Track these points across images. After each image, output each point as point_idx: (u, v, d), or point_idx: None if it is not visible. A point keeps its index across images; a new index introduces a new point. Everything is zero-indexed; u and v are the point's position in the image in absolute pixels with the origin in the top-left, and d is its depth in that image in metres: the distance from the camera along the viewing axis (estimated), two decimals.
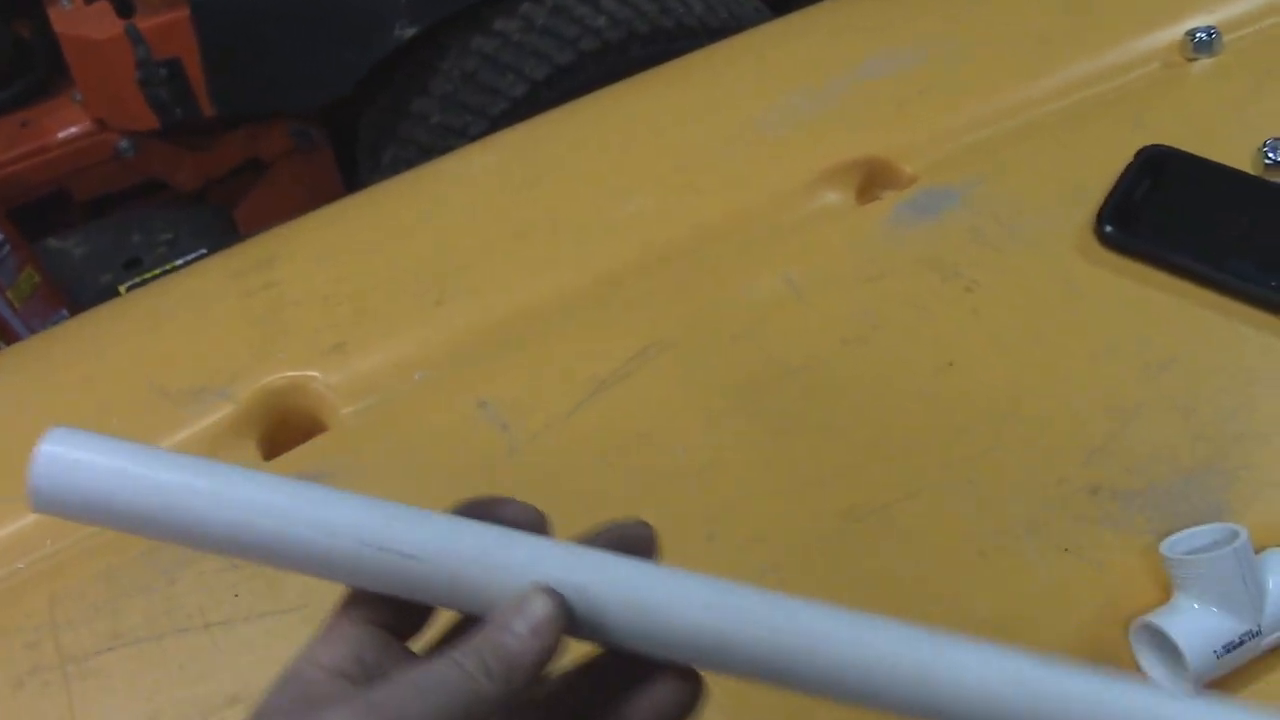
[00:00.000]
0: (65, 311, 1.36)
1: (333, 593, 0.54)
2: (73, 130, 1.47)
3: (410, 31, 1.39)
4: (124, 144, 1.46)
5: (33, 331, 1.31)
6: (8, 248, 1.29)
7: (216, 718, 0.51)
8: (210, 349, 0.65)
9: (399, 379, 0.63)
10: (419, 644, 0.39)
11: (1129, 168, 0.69)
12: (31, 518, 0.58)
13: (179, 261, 1.42)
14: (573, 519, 0.57)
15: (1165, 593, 0.52)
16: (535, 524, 0.40)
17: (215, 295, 0.69)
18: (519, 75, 1.40)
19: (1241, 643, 0.49)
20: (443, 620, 0.39)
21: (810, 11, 0.84)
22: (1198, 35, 0.76)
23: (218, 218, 1.57)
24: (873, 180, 0.72)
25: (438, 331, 0.65)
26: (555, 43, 1.40)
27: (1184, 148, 0.70)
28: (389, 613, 0.37)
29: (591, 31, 1.41)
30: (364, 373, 0.63)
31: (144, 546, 0.57)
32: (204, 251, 1.42)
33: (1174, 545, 0.53)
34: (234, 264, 0.72)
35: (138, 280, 1.39)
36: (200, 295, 0.69)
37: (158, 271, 1.41)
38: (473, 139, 1.39)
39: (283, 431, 0.63)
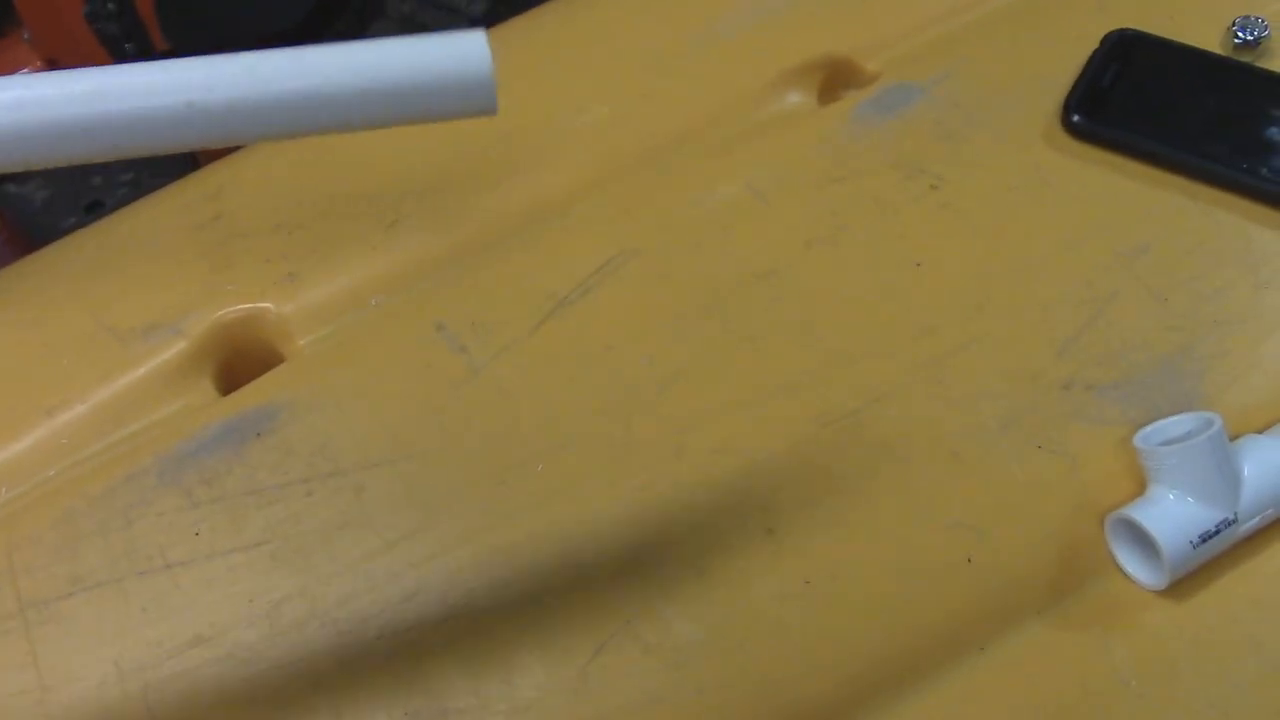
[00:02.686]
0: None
1: (296, 528, 0.53)
2: (24, 71, 1.43)
3: None
4: None
5: None
6: None
7: (181, 658, 0.50)
8: (159, 285, 0.63)
9: (355, 306, 0.62)
10: None
11: (1095, 54, 0.67)
12: None
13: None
14: (537, 437, 0.56)
15: (1140, 485, 0.52)
16: None
17: (163, 230, 0.67)
18: None
19: (1218, 531, 0.49)
20: None
21: None
22: None
23: (179, 156, 1.53)
24: (835, 80, 0.70)
25: (392, 255, 0.63)
26: None
27: (1152, 31, 0.68)
28: None
29: None
30: (319, 301, 0.62)
31: (101, 489, 0.55)
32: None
33: (1148, 437, 0.52)
34: (182, 197, 0.70)
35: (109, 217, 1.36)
36: (148, 231, 0.67)
37: (128, 207, 1.38)
38: (468, 18, 1.37)
39: (239, 365, 0.61)
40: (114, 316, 0.62)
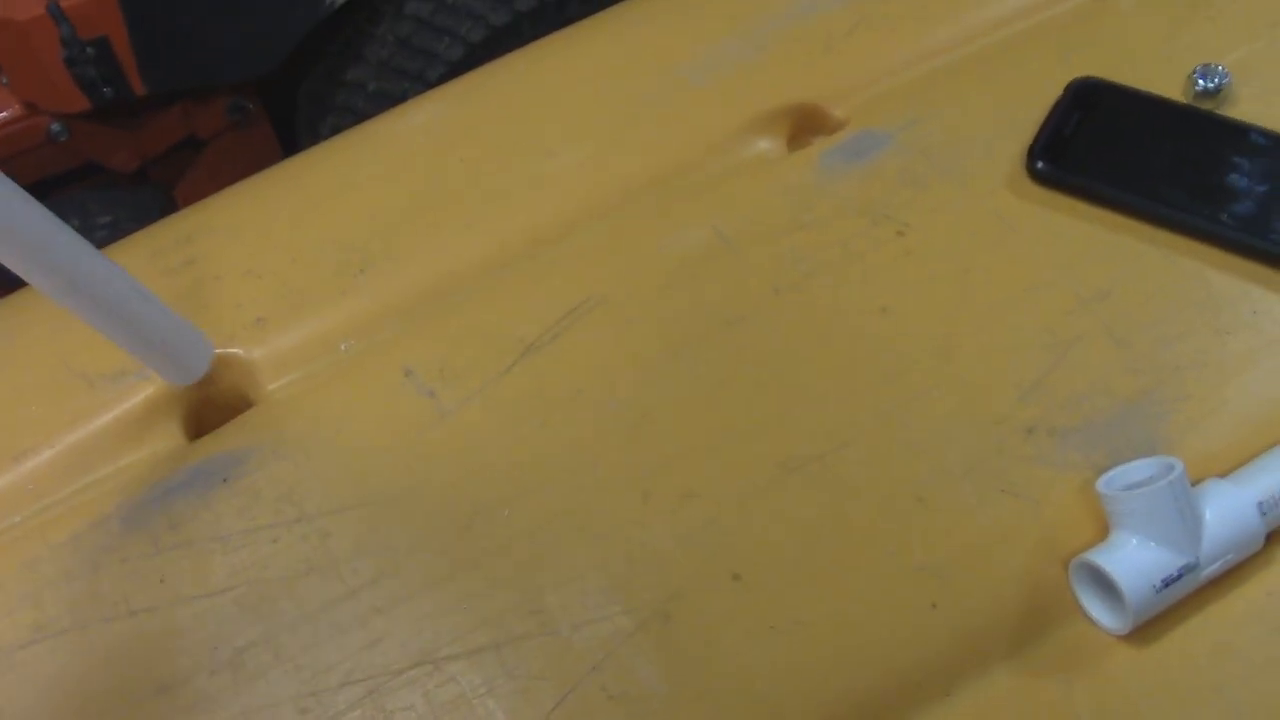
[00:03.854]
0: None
1: (261, 575, 0.53)
2: (3, 115, 1.44)
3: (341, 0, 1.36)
4: (56, 127, 1.42)
5: None
6: None
7: (146, 707, 0.50)
8: None
9: (324, 351, 0.62)
10: None
11: (1059, 101, 0.68)
12: None
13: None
14: (504, 482, 0.56)
15: (1104, 529, 0.52)
16: None
17: (135, 274, 0.67)
18: (455, 38, 1.37)
19: (1180, 576, 0.49)
20: None
21: None
22: None
23: (157, 198, 1.54)
24: (803, 126, 0.71)
25: (362, 300, 0.63)
26: (490, 4, 1.38)
27: (1115, 79, 0.69)
28: None
29: None
30: (288, 346, 0.62)
31: (67, 535, 0.55)
32: None
33: (1110, 481, 0.52)
34: (154, 242, 0.70)
35: None
36: None
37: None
38: None
39: (208, 410, 0.61)
40: (83, 361, 0.62)
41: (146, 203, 1.53)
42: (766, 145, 0.70)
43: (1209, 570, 0.50)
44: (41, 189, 1.53)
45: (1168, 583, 0.49)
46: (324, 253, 0.65)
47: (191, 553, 0.54)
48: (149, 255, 0.68)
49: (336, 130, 1.44)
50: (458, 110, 0.74)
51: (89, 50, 1.33)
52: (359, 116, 1.41)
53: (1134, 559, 0.49)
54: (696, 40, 0.76)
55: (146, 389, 0.60)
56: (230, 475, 0.56)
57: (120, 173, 1.51)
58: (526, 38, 1.39)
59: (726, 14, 0.77)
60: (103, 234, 1.46)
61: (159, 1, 1.34)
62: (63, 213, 1.43)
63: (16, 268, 0.49)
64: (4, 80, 1.44)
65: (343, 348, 0.62)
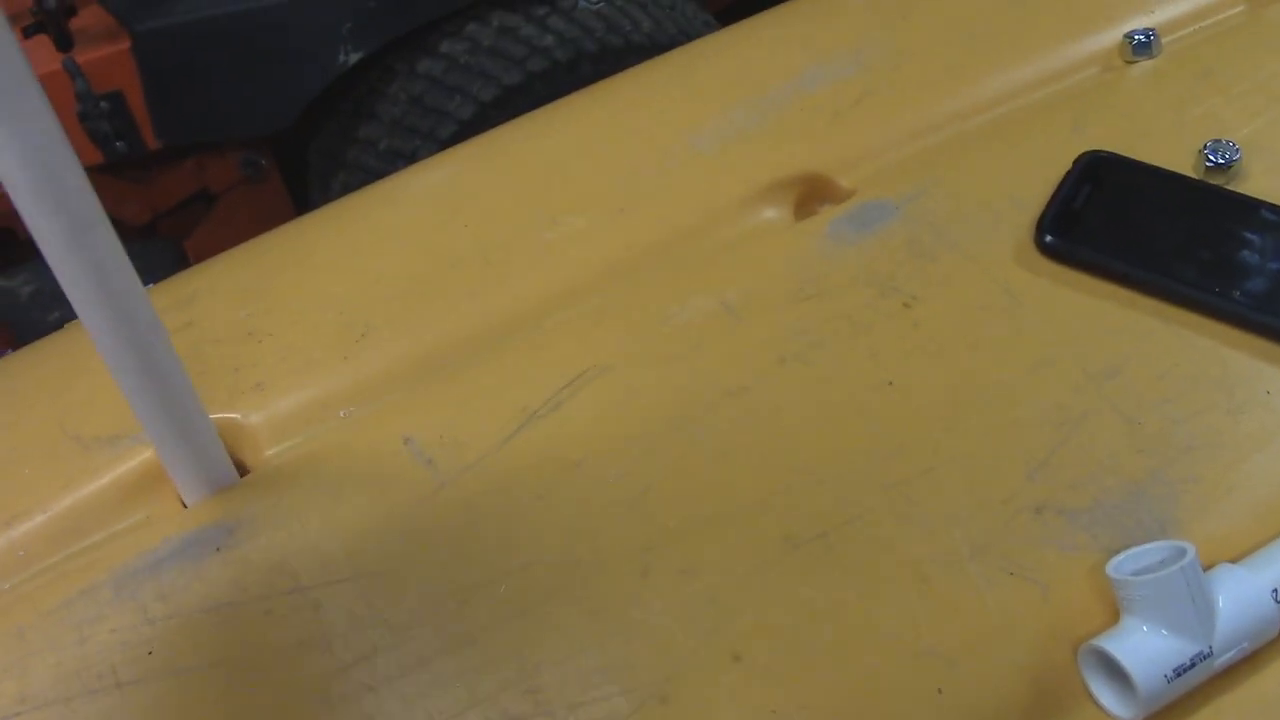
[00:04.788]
0: (10, 351, 1.33)
1: (254, 645, 0.52)
2: None
3: (355, 57, 1.37)
4: None
5: None
6: None
7: None
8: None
9: (323, 417, 0.61)
10: None
11: (1068, 175, 0.67)
12: None
13: None
14: (501, 555, 0.55)
15: (1114, 613, 0.51)
16: None
17: None
18: (466, 97, 1.38)
19: (1193, 664, 0.48)
20: None
21: (743, 25, 0.83)
22: (1136, 38, 0.75)
23: (168, 252, 1.54)
24: (811, 196, 0.71)
25: (362, 367, 0.63)
26: (502, 64, 1.38)
27: (1124, 152, 0.68)
28: None
29: (539, 51, 1.39)
30: (287, 412, 0.61)
31: (55, 603, 0.54)
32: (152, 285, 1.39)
33: (1120, 565, 0.51)
34: (155, 303, 0.69)
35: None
36: None
37: None
38: None
39: None
40: (78, 423, 0.61)
41: (156, 256, 1.53)
42: (773, 214, 0.70)
43: (1223, 659, 0.49)
44: None
45: (1180, 672, 0.48)
46: (326, 317, 0.65)
47: (181, 624, 0.53)
48: None
49: (348, 187, 1.45)
50: (463, 175, 0.74)
51: (103, 105, 1.34)
52: (370, 173, 1.42)
53: (1145, 646, 0.48)
54: (705, 109, 0.76)
55: (141, 453, 0.60)
56: (224, 544, 0.55)
57: (131, 225, 1.52)
58: (538, 98, 1.40)
59: (734, 83, 0.77)
60: None
61: (174, 57, 1.35)
62: None
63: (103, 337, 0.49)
64: None
65: (342, 414, 0.61)
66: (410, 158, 1.39)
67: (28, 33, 1.39)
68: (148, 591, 0.54)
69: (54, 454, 0.60)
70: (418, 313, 0.65)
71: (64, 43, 1.33)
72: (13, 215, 1.41)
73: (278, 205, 1.55)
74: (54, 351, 0.67)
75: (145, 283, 0.74)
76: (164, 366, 0.51)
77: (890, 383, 0.60)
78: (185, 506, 0.59)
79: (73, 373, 0.65)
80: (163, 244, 1.56)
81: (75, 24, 1.36)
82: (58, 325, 1.41)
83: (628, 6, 1.45)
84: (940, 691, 0.50)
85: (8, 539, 0.57)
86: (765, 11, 0.83)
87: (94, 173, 1.44)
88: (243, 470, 0.60)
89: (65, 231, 0.44)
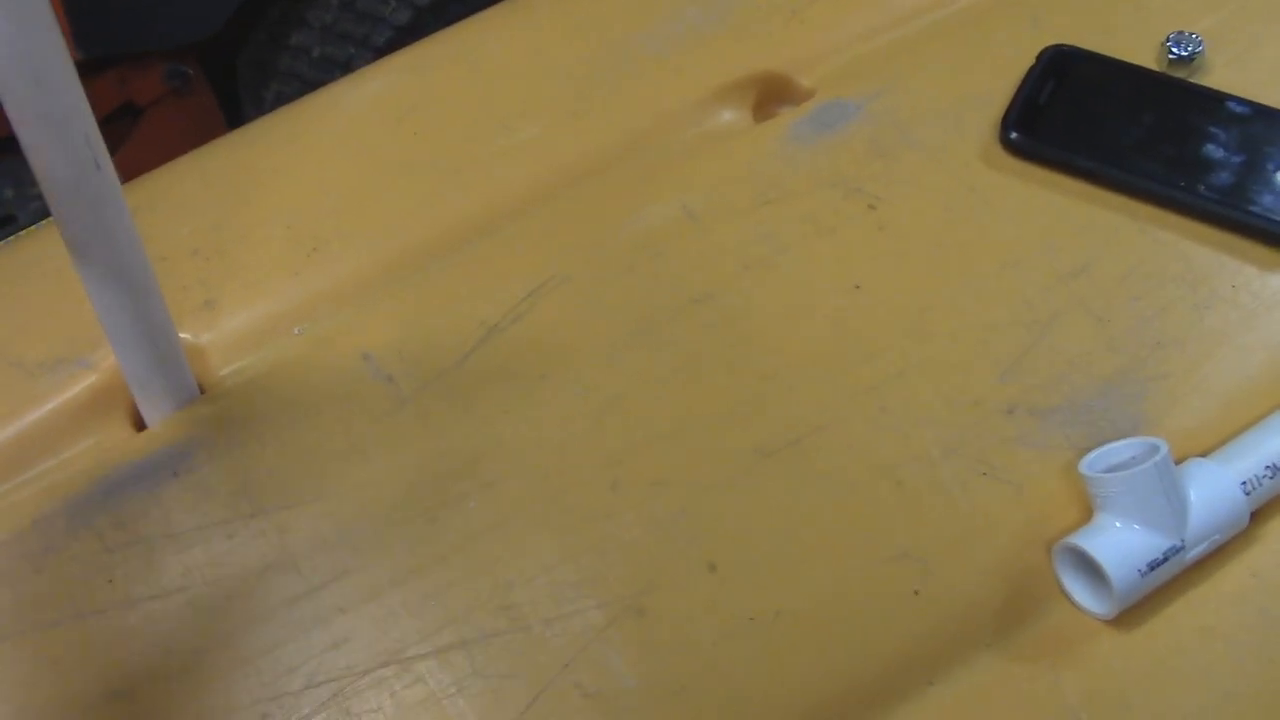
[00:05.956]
0: None
1: (217, 573, 0.51)
2: None
3: None
4: None
5: None
6: None
7: (98, 714, 0.48)
8: (67, 316, 0.60)
9: (277, 335, 0.59)
10: None
11: (1031, 70, 0.66)
12: None
13: None
14: (468, 473, 0.54)
15: (1087, 511, 0.51)
16: None
17: (65, 257, 0.64)
18: (401, 1, 1.33)
19: (1166, 559, 0.48)
20: None
21: None
22: None
23: None
24: (769, 96, 0.69)
25: (315, 282, 0.61)
26: None
27: (1086, 46, 0.67)
28: None
29: None
30: (239, 331, 0.59)
31: (7, 534, 0.52)
32: None
33: (1093, 463, 0.51)
34: None
35: (12, 238, 1.32)
36: (54, 258, 0.64)
37: (33, 228, 1.34)
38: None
39: None
40: (19, 349, 0.59)
41: None
42: (731, 116, 0.68)
43: (1194, 552, 0.49)
44: None
45: (1153, 566, 0.48)
46: (274, 232, 0.63)
47: (141, 551, 0.51)
48: None
49: (281, 97, 1.40)
50: (409, 81, 0.71)
51: None
52: (304, 82, 1.37)
53: (1119, 542, 0.48)
54: (655, 8, 0.73)
55: (89, 377, 0.57)
56: (180, 468, 0.54)
57: None
58: (473, 2, 1.36)
59: None
60: (37, 204, 1.41)
61: None
62: None
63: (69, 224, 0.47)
64: None
65: (296, 331, 0.59)
66: (345, 66, 1.34)
67: None
68: (104, 519, 0.52)
69: None
70: (369, 225, 0.63)
71: None
72: None
73: (208, 118, 1.50)
74: None
75: None
76: (140, 277, 0.49)
77: (857, 286, 0.59)
78: (137, 430, 0.57)
79: (5, 296, 0.63)
80: None
81: None
82: None
83: None
84: (916, 593, 0.50)
85: None
86: None
87: None
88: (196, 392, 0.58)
89: (52, 127, 0.42)
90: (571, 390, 0.56)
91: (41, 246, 0.65)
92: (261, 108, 1.43)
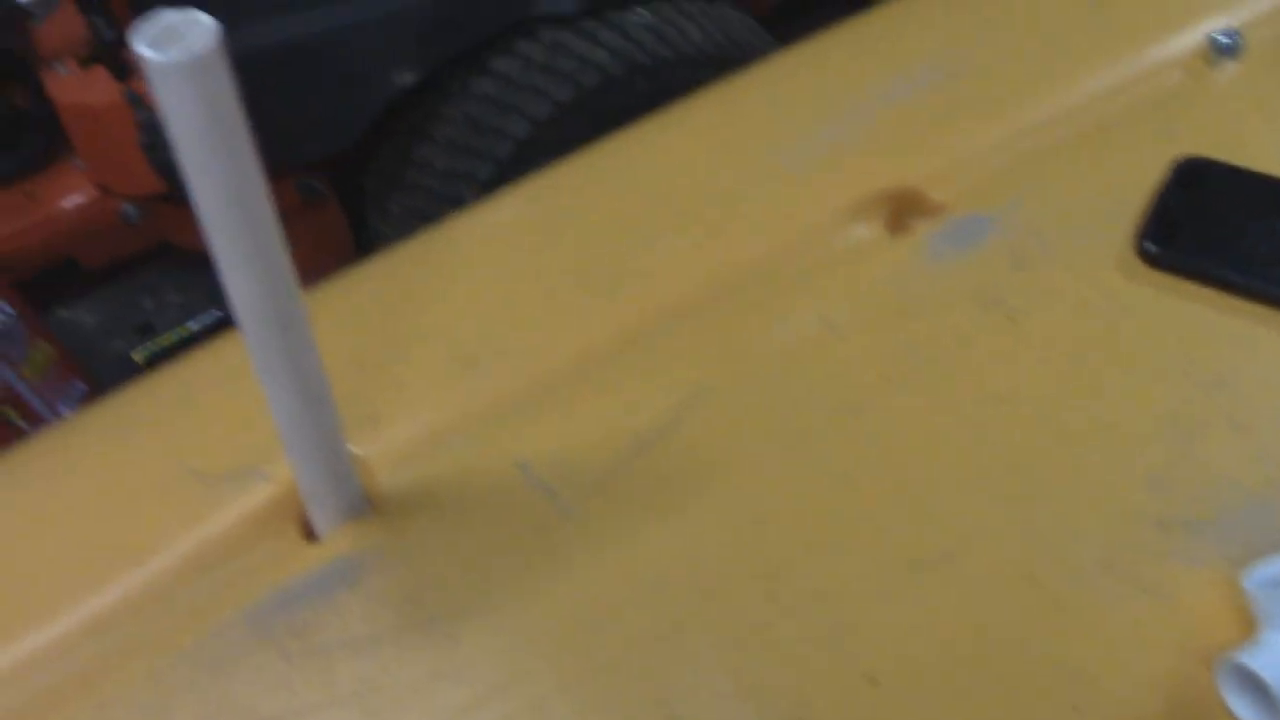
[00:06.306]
0: (80, 383, 1.35)
1: (389, 681, 0.53)
2: (77, 198, 1.46)
3: (410, 78, 1.38)
4: (129, 209, 1.45)
5: (50, 406, 1.30)
6: (16, 321, 1.28)
7: None
8: (243, 427, 0.63)
9: (437, 448, 0.62)
10: None
11: (1165, 182, 0.67)
12: (71, 618, 0.57)
13: (193, 325, 1.41)
14: (628, 584, 0.55)
15: (1249, 627, 0.51)
16: None
17: (241, 371, 0.67)
18: (521, 115, 1.39)
19: None
20: None
21: (820, 39, 0.83)
22: (1219, 39, 0.75)
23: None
24: (903, 210, 0.71)
25: (471, 395, 0.63)
26: (555, 80, 1.39)
27: (1217, 156, 0.68)
28: None
29: (591, 66, 1.39)
30: (401, 442, 0.62)
31: (191, 642, 0.55)
32: (218, 314, 1.41)
33: (1255, 576, 0.51)
34: None
35: (153, 347, 1.38)
36: (226, 371, 0.68)
37: (172, 336, 1.40)
38: (481, 183, 1.39)
39: None
40: (198, 459, 0.62)
41: (217, 282, 1.54)
42: (865, 231, 0.70)
43: None
44: (113, 271, 1.55)
45: None
46: (429, 346, 0.66)
47: (319, 660, 0.53)
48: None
49: (405, 208, 1.45)
50: (551, 201, 0.74)
51: (164, 133, 1.35)
52: (429, 194, 1.43)
53: None
54: (789, 125, 0.76)
55: (264, 488, 0.60)
56: (353, 578, 0.56)
57: (191, 253, 1.53)
58: (592, 113, 1.40)
59: (817, 98, 0.78)
60: (175, 313, 1.48)
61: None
62: (135, 294, 1.46)
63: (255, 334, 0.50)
64: (80, 164, 1.46)
65: (455, 444, 0.62)
66: (468, 178, 1.40)
67: (85, 64, 1.40)
68: (282, 628, 0.55)
69: (176, 490, 0.61)
70: (522, 338, 0.65)
71: (121, 73, 1.34)
72: (73, 245, 1.43)
73: (335, 228, 1.56)
74: (161, 386, 0.68)
75: (208, 310, 0.75)
76: (318, 390, 0.52)
77: (1000, 398, 0.60)
78: (309, 540, 0.59)
79: (181, 407, 0.66)
80: None
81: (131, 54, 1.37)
82: (124, 354, 1.43)
83: (677, 18, 1.45)
84: (1076, 708, 0.50)
85: (138, 576, 0.58)
86: (840, 24, 0.84)
87: (155, 201, 1.46)
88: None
89: (253, 253, 0.45)
90: (725, 501, 0.58)
91: (212, 360, 0.69)
92: (386, 218, 1.49)
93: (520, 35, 1.41)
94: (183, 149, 0.42)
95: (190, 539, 0.59)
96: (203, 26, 0.41)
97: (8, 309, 1.27)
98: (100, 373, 1.40)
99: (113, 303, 1.50)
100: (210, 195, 0.44)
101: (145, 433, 0.65)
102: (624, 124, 0.78)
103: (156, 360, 1.37)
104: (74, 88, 1.37)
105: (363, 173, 1.53)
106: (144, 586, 0.58)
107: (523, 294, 0.68)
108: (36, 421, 1.28)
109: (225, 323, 1.31)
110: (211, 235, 0.46)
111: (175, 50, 0.39)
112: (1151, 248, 0.64)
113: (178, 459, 0.63)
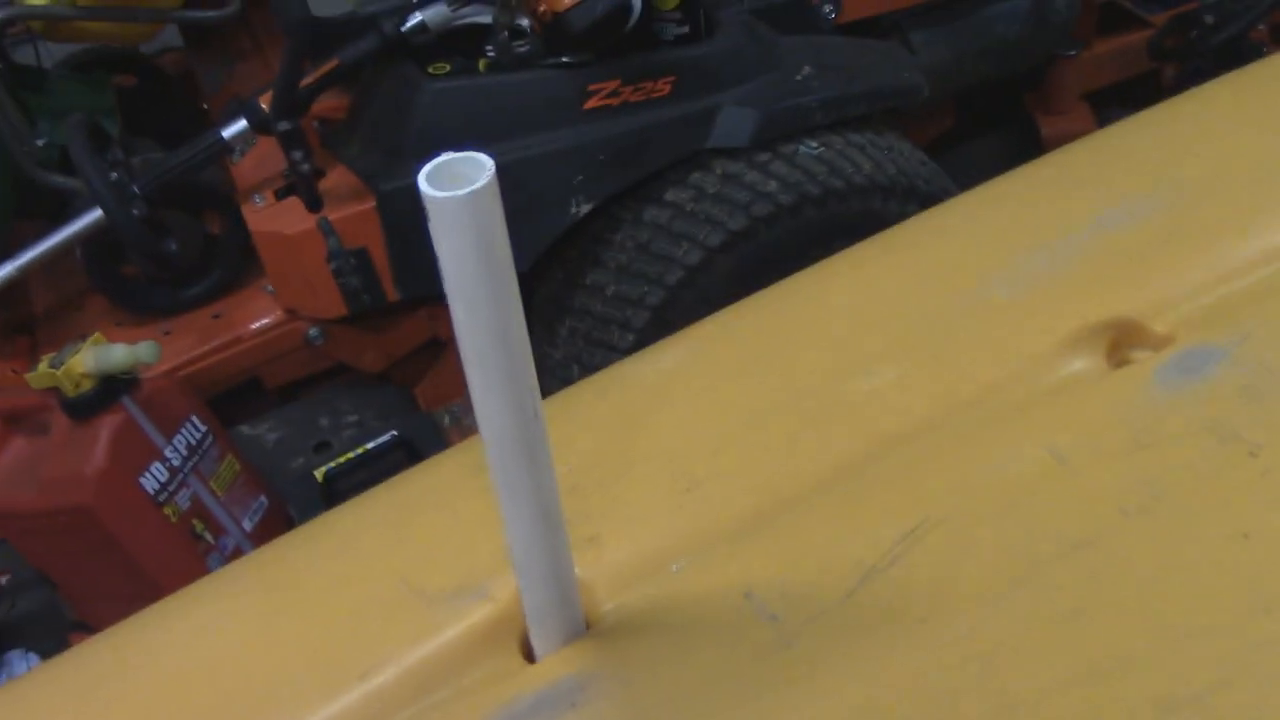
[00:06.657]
0: (264, 498, 1.39)
1: None
2: (264, 321, 1.53)
3: (586, 208, 1.42)
4: (313, 332, 1.50)
5: (235, 520, 1.34)
6: (211, 438, 1.33)
7: None
8: (462, 546, 0.64)
9: (657, 570, 0.61)
10: None
11: None
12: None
13: (370, 444, 1.44)
14: (852, 715, 0.54)
15: None
16: None
17: (457, 491, 0.69)
18: (693, 242, 1.41)
19: None
20: None
21: (1025, 170, 0.83)
22: None
23: (400, 397, 1.60)
24: (1123, 341, 0.70)
25: (691, 519, 0.63)
26: (727, 209, 1.41)
27: None
28: None
29: (763, 196, 1.41)
30: (621, 565, 0.62)
31: None
32: (393, 433, 1.44)
33: None
34: (469, 458, 0.72)
35: (332, 465, 1.42)
36: (442, 491, 0.69)
37: (349, 455, 1.44)
38: (649, 309, 1.41)
39: None
40: (421, 578, 0.63)
41: (390, 401, 1.59)
42: (1084, 362, 0.69)
43: None
44: (292, 389, 1.60)
45: None
46: (650, 470, 0.66)
47: None
48: (468, 472, 0.70)
49: (574, 332, 1.48)
50: (759, 331, 0.75)
51: (352, 261, 1.40)
52: (597, 319, 1.45)
53: None
54: (998, 255, 0.76)
55: (484, 608, 0.61)
56: (577, 700, 0.56)
57: (367, 373, 1.58)
58: (763, 241, 1.42)
59: (1025, 228, 0.78)
60: (351, 432, 1.52)
61: (414, 214, 1.41)
62: (313, 411, 1.50)
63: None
64: (268, 288, 1.53)
65: (674, 568, 0.61)
66: (638, 303, 1.42)
67: (280, 195, 1.47)
68: None
69: (399, 608, 0.62)
70: (741, 464, 0.65)
71: (315, 204, 1.41)
72: (259, 365, 1.48)
73: None
74: (380, 504, 0.70)
75: (382, 429, 0.76)
76: (554, 512, 0.52)
77: (1246, 535, 0.57)
78: (528, 661, 0.59)
79: (401, 526, 0.68)
80: (395, 389, 1.62)
81: (323, 185, 1.44)
82: (304, 471, 1.47)
83: (847, 149, 1.47)
84: None
85: (363, 691, 0.59)
86: (1044, 158, 0.84)
87: (336, 324, 1.51)
88: (584, 625, 0.61)
89: (508, 383, 0.47)
90: (952, 634, 0.56)
91: (428, 481, 0.70)
92: (555, 341, 1.52)
93: (694, 166, 1.44)
94: (450, 278, 0.44)
95: (414, 656, 0.60)
96: (479, 165, 0.43)
97: (202, 426, 1.32)
98: (281, 489, 1.44)
99: (292, 421, 1.55)
100: (473, 322, 0.45)
101: (370, 550, 0.66)
102: (792, 253, 0.79)
103: (335, 478, 1.41)
104: (270, 217, 1.44)
105: (531, 296, 1.56)
106: (369, 701, 0.58)
107: (737, 420, 0.68)
108: (220, 534, 1.32)
109: (401, 442, 1.34)
110: (468, 360, 0.47)
111: (454, 186, 0.41)
112: None
113: (401, 577, 0.64)
